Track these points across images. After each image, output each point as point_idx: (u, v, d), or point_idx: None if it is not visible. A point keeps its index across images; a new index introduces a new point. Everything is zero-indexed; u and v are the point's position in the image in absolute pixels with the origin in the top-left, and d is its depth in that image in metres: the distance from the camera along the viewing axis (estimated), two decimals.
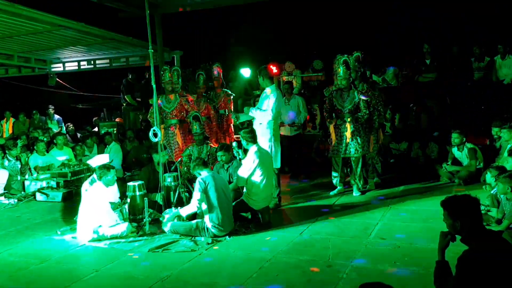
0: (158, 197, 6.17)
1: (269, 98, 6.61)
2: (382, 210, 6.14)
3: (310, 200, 7.06)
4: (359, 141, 6.99)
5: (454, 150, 7.66)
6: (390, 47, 12.69)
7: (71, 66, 14.88)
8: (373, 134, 7.43)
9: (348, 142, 6.99)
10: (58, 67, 14.96)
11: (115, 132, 11.75)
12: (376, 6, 13.18)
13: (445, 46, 11.15)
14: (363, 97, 6.97)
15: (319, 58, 11.27)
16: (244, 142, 6.02)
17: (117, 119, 13.43)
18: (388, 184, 7.60)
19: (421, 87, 10.53)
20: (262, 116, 6.63)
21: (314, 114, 10.61)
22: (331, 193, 7.23)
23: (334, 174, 7.28)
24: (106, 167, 5.63)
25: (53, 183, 8.13)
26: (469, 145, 7.54)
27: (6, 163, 8.28)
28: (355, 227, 5.52)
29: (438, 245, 3.09)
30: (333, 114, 7.18)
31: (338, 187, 7.26)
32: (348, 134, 6.97)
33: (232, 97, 8.76)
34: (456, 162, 7.65)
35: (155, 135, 6.28)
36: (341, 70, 6.98)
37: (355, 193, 7.10)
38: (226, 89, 8.85)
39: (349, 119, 6.95)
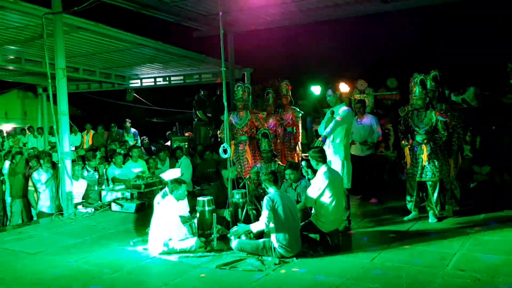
0: (226, 213, 6.22)
1: (337, 116, 6.53)
2: (461, 239, 5.76)
3: (382, 224, 6.79)
4: (436, 164, 6.65)
5: None
6: (470, 66, 12.08)
7: (147, 82, 15.60)
8: (452, 157, 7.06)
9: (424, 165, 6.69)
10: (135, 83, 15.74)
11: (186, 146, 12.08)
12: (454, 22, 12.65)
13: None
14: (441, 118, 6.65)
15: (393, 76, 10.96)
16: (313, 162, 5.91)
17: (187, 134, 13.80)
18: (467, 211, 7.13)
19: (505, 109, 9.89)
20: (337, 134, 6.53)
21: (387, 134, 10.29)
22: (405, 218, 6.91)
23: (408, 198, 6.97)
24: (177, 182, 5.77)
25: (127, 194, 8.46)
26: None
27: (85, 173, 8.74)
28: (431, 256, 5.22)
29: None
30: (409, 135, 6.91)
31: (413, 213, 6.93)
32: (424, 156, 6.67)
33: (300, 114, 8.73)
34: None
35: (225, 151, 6.37)
36: (417, 89, 6.73)
37: (431, 219, 6.74)
38: (294, 107, 8.84)
39: (425, 141, 6.66)
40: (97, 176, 8.91)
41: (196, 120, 13.77)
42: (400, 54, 13.40)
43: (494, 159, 8.55)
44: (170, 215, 5.66)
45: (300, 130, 8.79)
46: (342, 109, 6.53)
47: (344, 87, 11.25)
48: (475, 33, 12.40)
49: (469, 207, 7.30)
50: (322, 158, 5.87)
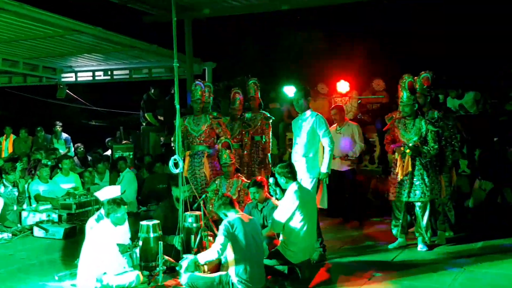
0: (176, 241, 6.20)
1: (315, 123, 6.64)
2: (454, 273, 5.94)
3: (363, 253, 6.93)
4: (426, 182, 6.83)
5: None
6: (470, 66, 12.47)
7: (84, 77, 15.42)
8: (444, 174, 7.27)
9: (413, 183, 6.84)
10: (69, 77, 15.55)
11: (131, 157, 11.97)
12: (453, 14, 13.03)
13: None
14: (431, 128, 6.83)
15: (380, 77, 11.20)
16: (281, 179, 5.99)
17: (124, 141, 13.69)
18: (462, 238, 7.37)
19: (509, 117, 10.24)
20: (310, 146, 6.65)
21: (372, 145, 10.47)
22: (390, 246, 7.07)
23: (394, 222, 7.14)
24: (116, 202, 5.71)
25: (54, 216, 8.34)
26: None
27: (1, 189, 8.55)
28: None
29: None
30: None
31: (399, 239, 7.09)
32: (406, 167, 6.78)
33: (271, 120, 8.82)
34: None
35: (176, 165, 6.35)
36: (404, 94, 6.90)
37: (421, 247, 6.92)
38: (264, 111, 8.92)
39: (409, 151, 6.79)
40: (16, 193, 8.73)
41: (144, 124, 13.68)
42: (390, 51, 13.70)
43: (496, 176, 8.82)
44: (105, 243, 5.59)
45: (271, 139, 8.88)
46: (309, 115, 6.69)
47: (323, 89, 11.44)
48: (475, 30, 12.81)
49: (465, 233, 7.54)
50: (292, 174, 5.96)
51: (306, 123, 6.73)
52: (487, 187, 8.67)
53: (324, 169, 6.63)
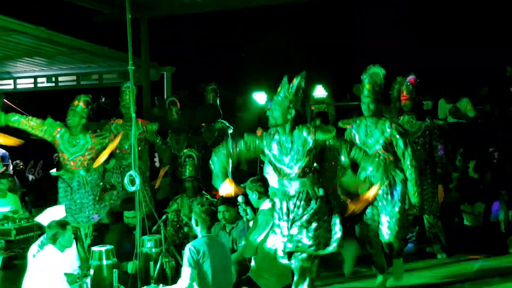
0: (132, 268, 6.15)
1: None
2: None
3: (347, 279, 6.81)
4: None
5: None
6: (464, 68, 12.76)
7: (24, 84, 15.25)
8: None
9: None
10: (7, 84, 15.35)
11: None
12: (444, 14, 13.33)
13: None
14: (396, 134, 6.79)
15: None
16: (252, 196, 5.97)
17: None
18: (455, 261, 7.46)
19: (506, 125, 10.46)
20: None
21: None
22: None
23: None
24: (60, 224, 5.67)
25: None
26: None
27: None
28: None
29: None
30: None
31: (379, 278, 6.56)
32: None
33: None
34: None
35: (133, 181, 6.29)
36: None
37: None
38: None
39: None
40: None
41: None
42: (373, 52, 13.89)
43: (491, 192, 9.01)
44: (50, 273, 5.53)
45: None
46: None
47: None
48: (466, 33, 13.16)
49: (458, 255, 7.64)
50: (265, 189, 5.95)
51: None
52: (479, 209, 8.86)
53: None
